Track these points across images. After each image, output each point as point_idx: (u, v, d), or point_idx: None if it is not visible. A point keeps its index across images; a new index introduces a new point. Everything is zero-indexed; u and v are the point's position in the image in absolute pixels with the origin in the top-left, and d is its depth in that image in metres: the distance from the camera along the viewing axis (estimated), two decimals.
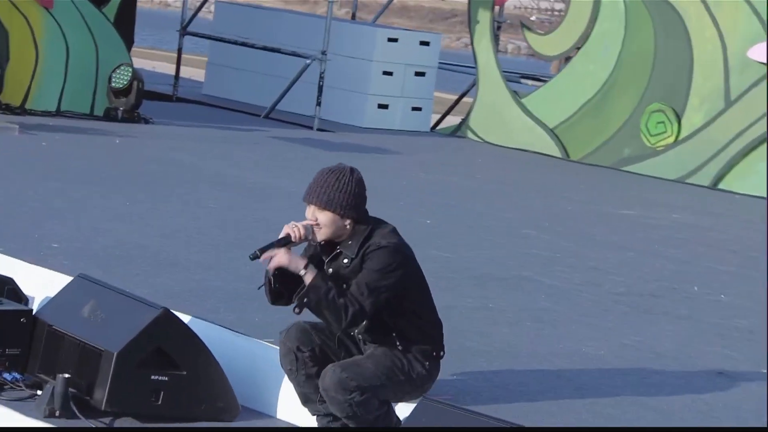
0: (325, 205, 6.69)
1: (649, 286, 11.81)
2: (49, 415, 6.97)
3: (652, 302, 11.15)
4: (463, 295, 10.50)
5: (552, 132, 20.54)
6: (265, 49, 21.57)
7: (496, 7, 22.04)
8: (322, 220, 6.71)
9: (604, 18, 20.28)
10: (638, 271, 12.52)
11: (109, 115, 18.15)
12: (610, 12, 20.23)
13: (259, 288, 6.95)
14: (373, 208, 13.29)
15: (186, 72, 23.34)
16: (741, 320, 10.87)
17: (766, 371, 7.82)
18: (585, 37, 20.56)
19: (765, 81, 18.56)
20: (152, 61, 25.00)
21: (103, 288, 7.57)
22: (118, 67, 18.23)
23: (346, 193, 6.73)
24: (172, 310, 7.35)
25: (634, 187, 18.16)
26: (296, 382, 6.96)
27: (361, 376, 6.58)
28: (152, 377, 7.10)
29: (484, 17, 21.74)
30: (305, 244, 6.92)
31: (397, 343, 6.82)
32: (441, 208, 15.08)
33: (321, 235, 6.76)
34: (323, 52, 20.53)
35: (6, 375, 7.34)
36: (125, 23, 18.85)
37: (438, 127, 22.92)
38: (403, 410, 6.79)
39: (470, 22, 22.03)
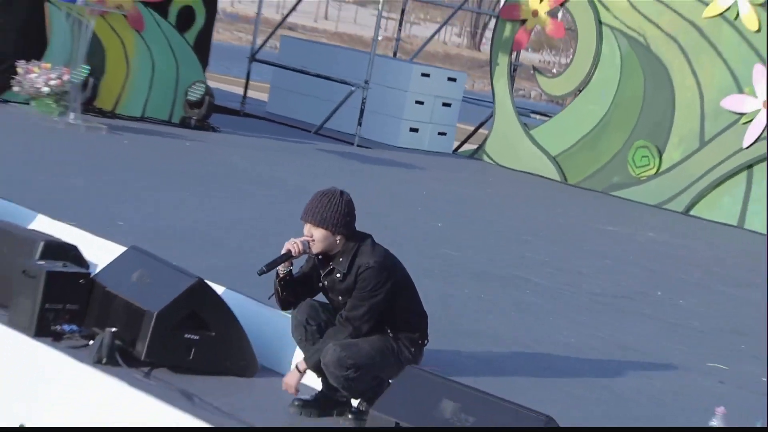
0: (318, 223, 6.75)
1: (622, 290, 11.73)
2: (97, 362, 7.00)
3: (623, 303, 11.06)
4: (462, 287, 10.45)
5: (554, 159, 20.46)
6: (319, 76, 21.46)
7: (514, 53, 21.88)
8: (316, 236, 6.77)
9: (603, 67, 20.22)
10: (614, 277, 12.43)
11: (184, 123, 18.16)
12: (608, 62, 20.16)
13: (269, 297, 7.05)
14: (397, 212, 13.34)
15: (252, 94, 23.33)
16: (695, 321, 10.78)
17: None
18: (586, 82, 20.49)
19: (734, 126, 18.48)
20: (223, 84, 24.81)
21: (151, 258, 7.55)
22: (194, 83, 18.29)
23: (337, 213, 6.76)
24: (207, 281, 7.34)
25: (619, 209, 18.06)
26: (304, 349, 6.93)
27: (357, 355, 6.56)
28: (186, 336, 7.10)
29: (503, 60, 21.70)
30: (305, 256, 6.97)
31: (389, 332, 6.84)
32: (453, 215, 15.00)
33: (316, 248, 6.80)
34: (366, 82, 20.48)
35: (66, 326, 7.33)
36: (202, 47, 18.83)
37: (459, 150, 22.76)
38: None
39: (491, 64, 21.97)
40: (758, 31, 18.41)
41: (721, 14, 18.86)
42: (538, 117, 22.90)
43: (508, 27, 21.60)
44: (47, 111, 15.69)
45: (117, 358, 6.97)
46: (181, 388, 6.78)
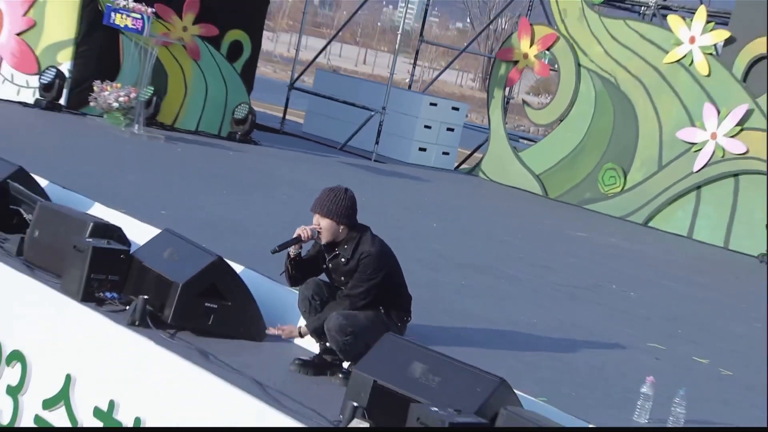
0: (326, 214, 6.78)
1: (582, 283, 11.58)
2: (131, 324, 6.96)
3: (581, 293, 10.91)
4: (447, 275, 10.32)
5: (537, 177, 20.32)
6: (345, 102, 21.43)
7: (507, 88, 21.76)
8: (323, 225, 6.80)
9: (580, 102, 20.13)
10: (577, 272, 12.29)
11: (230, 137, 18.10)
12: (584, 98, 20.06)
13: (281, 274, 7.05)
14: (403, 214, 13.21)
15: (291, 118, 23.36)
16: (641, 310, 10.62)
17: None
18: (566, 114, 20.39)
19: (687, 154, 18.38)
20: (266, 109, 24.79)
21: (180, 239, 7.48)
22: (240, 104, 18.25)
23: (342, 206, 6.80)
24: (227, 260, 7.28)
25: (589, 219, 17.90)
26: (308, 319, 6.91)
27: (355, 324, 6.54)
28: (206, 304, 7.04)
29: (498, 94, 21.63)
30: (311, 242, 6.97)
31: (381, 308, 6.84)
32: (448, 219, 14.92)
33: (323, 236, 6.82)
34: (383, 108, 20.43)
35: (107, 294, 7.26)
36: (247, 75, 18.80)
37: (459, 167, 22.62)
38: None
39: (488, 98, 21.90)
40: (709, 75, 18.35)
41: (678, 61, 18.80)
42: (525, 142, 22.84)
43: (503, 66, 21.51)
44: (116, 123, 15.67)
45: (147, 321, 6.90)
46: (199, 348, 6.71)
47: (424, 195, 17.03)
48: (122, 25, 15.71)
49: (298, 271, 6.97)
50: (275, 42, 68.07)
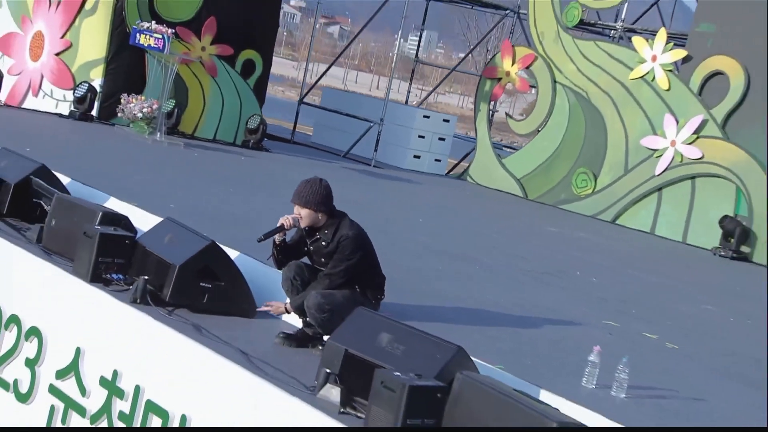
0: (304, 204, 6.69)
1: (548, 269, 11.37)
2: (133, 302, 6.82)
3: (547, 278, 10.71)
4: (427, 261, 10.15)
5: (518, 181, 20.18)
6: (348, 115, 21.29)
7: (492, 102, 21.61)
8: (303, 214, 6.70)
9: (556, 114, 20.02)
10: (546, 261, 12.10)
11: (244, 144, 18.00)
12: (559, 111, 19.95)
13: (267, 258, 7.00)
14: (395, 211, 13.07)
15: (303, 131, 23.26)
16: (601, 293, 10.42)
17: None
18: (543, 125, 20.29)
19: (649, 159, 18.24)
20: (277, 123, 24.69)
21: (180, 226, 7.35)
22: (252, 115, 18.17)
23: (318, 196, 6.70)
24: (221, 245, 7.14)
25: (563, 217, 17.72)
26: (291, 297, 6.79)
27: (332, 302, 6.43)
28: (201, 284, 6.93)
29: (483, 108, 21.53)
30: (294, 230, 6.88)
31: (357, 287, 6.71)
32: (435, 215, 14.80)
33: (303, 223, 6.74)
34: (381, 119, 20.26)
35: (114, 275, 7.14)
36: (260, 89, 18.69)
37: (450, 173, 22.46)
38: None
39: (475, 111, 21.79)
40: (668, 89, 18.23)
41: (642, 77, 18.69)
42: (508, 150, 22.62)
43: (488, 83, 21.39)
44: (140, 131, 15.54)
45: (148, 299, 6.76)
46: (193, 323, 6.59)
47: (417, 196, 16.87)
48: (146, 45, 15.58)
49: (284, 256, 6.86)
50: (298, 70, 68.12)
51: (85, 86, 16.40)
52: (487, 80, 21.48)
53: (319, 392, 5.53)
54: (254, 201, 11.89)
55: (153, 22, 15.93)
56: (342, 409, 5.40)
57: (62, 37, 17.58)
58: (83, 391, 6.75)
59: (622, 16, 20.82)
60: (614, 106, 19.07)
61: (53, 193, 8.05)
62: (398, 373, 5.07)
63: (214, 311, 6.90)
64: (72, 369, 6.88)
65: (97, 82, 16.78)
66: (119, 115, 15.96)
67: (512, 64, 20.82)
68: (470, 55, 32.25)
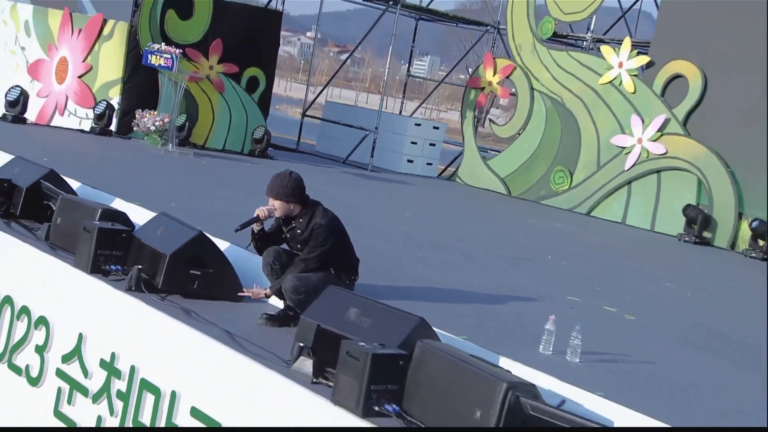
0: (276, 196, 6.55)
1: (523, 254, 11.18)
2: (128, 289, 6.68)
3: (521, 262, 10.51)
4: (408, 250, 9.92)
5: (502, 180, 19.99)
6: (347, 125, 21.11)
7: (477, 109, 21.41)
8: (276, 205, 6.56)
9: (534, 118, 19.81)
10: (521, 248, 11.91)
11: (251, 153, 17.83)
12: (537, 115, 19.75)
13: (247, 246, 6.91)
14: (388, 208, 12.88)
15: (309, 142, 23.00)
16: (569, 275, 10.19)
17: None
18: (523, 128, 20.05)
19: (619, 156, 18.06)
20: (283, 136, 24.57)
21: (172, 219, 7.18)
22: (257, 126, 18.01)
23: (288, 188, 6.54)
24: (218, 239, 7.16)
25: (542, 211, 17.50)
26: (270, 280, 6.67)
27: (308, 285, 6.29)
28: (191, 271, 6.80)
29: (469, 115, 21.32)
30: (271, 220, 6.76)
31: (331, 270, 6.54)
32: (422, 211, 14.58)
33: (277, 213, 6.59)
34: (376, 128, 20.15)
35: (112, 266, 7.01)
36: (263, 103, 18.51)
37: (440, 175, 22.23)
38: None
39: (462, 117, 21.58)
40: (634, 92, 18.06)
41: (610, 82, 18.51)
42: (492, 152, 22.40)
43: (473, 92, 21.21)
44: (154, 143, 15.41)
45: (141, 286, 6.61)
46: (183, 307, 6.44)
47: (408, 195, 16.67)
48: (156, 64, 15.46)
49: (263, 243, 6.72)
50: (314, 93, 67.84)
51: (103, 104, 16.27)
52: (471, 90, 21.30)
53: (294, 365, 5.37)
54: (252, 201, 11.64)
55: (163, 43, 15.81)
56: (314, 379, 5.25)
57: (83, 61, 17.47)
58: (86, 373, 6.63)
59: (592, 28, 20.65)
60: (586, 109, 18.89)
61: (60, 195, 7.91)
62: (363, 344, 4.92)
63: (204, 296, 6.75)
64: (75, 353, 6.76)
65: (115, 100, 16.66)
66: (135, 129, 15.83)
67: (494, 75, 20.66)
68: (467, 71, 32.08)
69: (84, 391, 6.62)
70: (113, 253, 6.94)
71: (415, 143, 21.26)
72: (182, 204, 9.79)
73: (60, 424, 6.81)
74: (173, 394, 5.87)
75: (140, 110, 15.73)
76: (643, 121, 17.78)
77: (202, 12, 17.22)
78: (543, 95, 19.74)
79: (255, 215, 6.60)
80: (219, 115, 17.76)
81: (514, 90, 20.78)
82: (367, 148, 20.34)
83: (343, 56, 51.31)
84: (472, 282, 8.45)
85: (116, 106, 16.50)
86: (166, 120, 15.29)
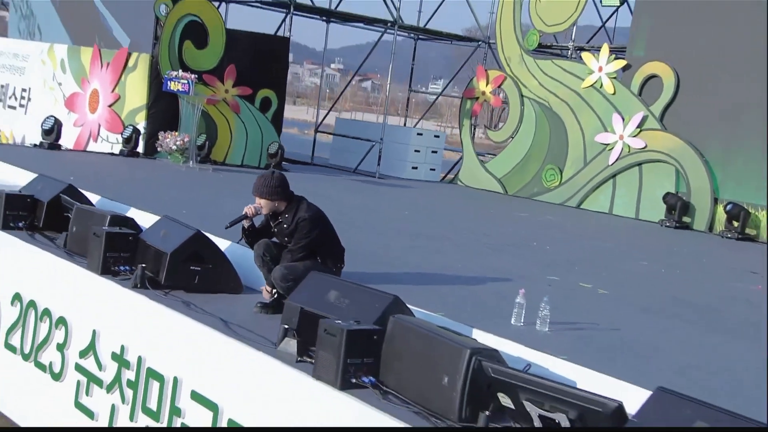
0: (260, 195, 6.43)
1: (509, 242, 10.99)
2: (134, 287, 6.54)
3: (507, 248, 10.31)
4: (400, 241, 9.72)
5: (499, 180, 19.78)
6: (355, 138, 20.99)
7: (473, 116, 21.20)
8: (262, 203, 6.45)
9: (525, 123, 19.62)
10: (509, 236, 11.72)
11: (266, 167, 17.59)
12: (528, 120, 19.56)
13: (238, 241, 6.76)
14: (392, 209, 12.73)
15: (320, 155, 22.79)
16: (552, 257, 9.95)
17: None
18: (516, 132, 19.84)
19: (603, 152, 17.85)
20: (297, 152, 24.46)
21: (172, 221, 7.03)
22: (272, 142, 17.84)
23: (271, 187, 6.42)
24: (223, 239, 7.04)
25: (536, 206, 17.22)
26: (263, 272, 6.51)
27: (295, 273, 6.10)
28: (191, 267, 6.65)
29: (466, 123, 21.10)
30: (262, 216, 6.61)
31: (318, 259, 6.37)
32: (422, 209, 14.37)
33: (264, 210, 6.46)
34: (381, 139, 19.98)
35: (121, 267, 6.87)
36: (277, 121, 18.33)
37: (443, 180, 22.01)
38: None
39: (460, 125, 21.37)
40: (614, 93, 17.86)
41: (592, 85, 18.31)
42: (489, 156, 22.16)
43: (469, 102, 21.01)
44: (176, 161, 15.33)
45: (146, 283, 6.48)
46: (183, 300, 6.29)
47: (410, 197, 16.43)
48: (175, 89, 15.38)
49: (254, 237, 6.58)
50: (336, 115, 67.66)
51: (130, 128, 16.21)
52: (467, 100, 21.12)
53: (279, 346, 5.22)
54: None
55: (180, 70, 15.74)
56: (299, 358, 5.09)
57: (112, 91, 17.44)
58: (100, 366, 6.53)
59: (573, 37, 20.44)
60: (571, 112, 18.68)
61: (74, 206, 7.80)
62: (339, 321, 4.76)
63: (205, 290, 6.60)
64: (90, 348, 6.66)
65: (141, 125, 16.59)
66: (159, 149, 15.75)
67: (486, 85, 20.48)
68: None
69: (99, 383, 6.51)
70: (121, 254, 6.81)
71: (418, 151, 21.07)
72: (192, 210, 9.66)
73: (80, 415, 6.70)
74: (175, 380, 5.75)
75: (162, 132, 15.65)
76: (623, 119, 17.57)
77: (216, 41, 17.12)
78: (532, 101, 19.54)
79: (243, 213, 6.48)
80: (236, 134, 17.65)
81: (505, 98, 20.59)
82: (375, 158, 20.20)
83: (365, 84, 51.23)
84: (456, 266, 8.24)
85: (142, 130, 16.44)
86: (186, 139, 15.20)
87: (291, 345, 5.14)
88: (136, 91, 17.00)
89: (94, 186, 10.04)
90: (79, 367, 6.75)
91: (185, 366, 5.73)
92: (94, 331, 6.62)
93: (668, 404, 3.59)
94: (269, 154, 17.73)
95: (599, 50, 18.59)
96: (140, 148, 16.33)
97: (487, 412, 4.08)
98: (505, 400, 4.17)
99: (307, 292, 5.41)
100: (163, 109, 16.57)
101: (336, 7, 21.70)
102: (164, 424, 5.79)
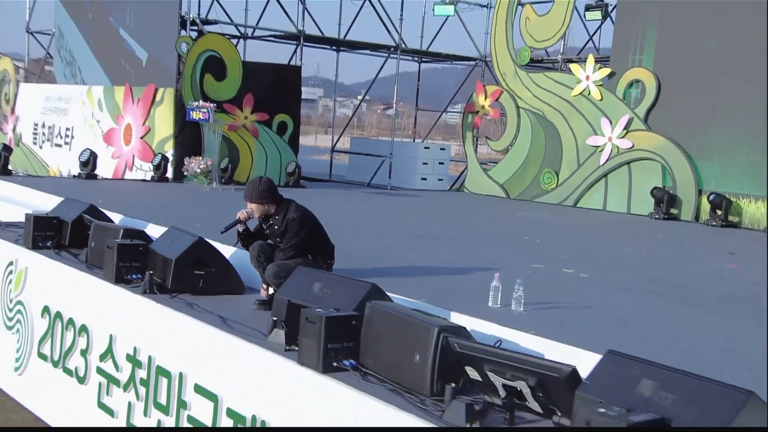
0: (251, 200, 6.30)
1: (503, 237, 10.81)
2: (143, 292, 6.40)
3: (499, 243, 10.11)
4: (398, 240, 9.55)
5: (501, 185, 19.62)
6: (369, 155, 20.87)
7: (475, 129, 21.03)
8: (252, 207, 6.32)
9: (522, 131, 19.46)
10: (503, 232, 11.52)
11: (285, 184, 17.59)
12: (524, 129, 19.40)
13: (235, 244, 6.68)
14: (401, 215, 12.47)
15: (337, 173, 22.67)
16: (541, 249, 9.69)
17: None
18: (514, 141, 19.64)
19: (595, 154, 17.62)
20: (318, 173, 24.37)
21: (178, 231, 6.91)
22: (289, 162, 17.78)
23: (260, 191, 6.27)
24: (227, 246, 6.89)
25: (535, 207, 17.00)
26: (259, 272, 6.39)
27: (286, 270, 5.91)
28: (195, 272, 6.50)
29: (468, 135, 20.99)
30: (256, 220, 6.49)
31: (309, 256, 6.24)
32: (431, 213, 14.19)
33: (255, 214, 6.34)
34: (390, 154, 19.88)
35: (133, 276, 6.73)
36: (293, 143, 18.30)
37: (451, 189, 21.82)
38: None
39: (463, 136, 21.25)
40: (601, 99, 17.70)
41: (581, 93, 18.13)
42: (491, 164, 21.95)
43: (470, 116, 20.88)
44: (201, 183, 15.32)
45: (154, 289, 6.35)
46: (187, 301, 6.16)
47: (418, 204, 16.24)
48: (197, 118, 15.37)
49: (249, 240, 6.46)
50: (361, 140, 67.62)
51: (159, 156, 16.22)
52: (468, 114, 20.98)
53: (269, 337, 5.08)
54: None
55: (200, 100, 15.72)
56: (287, 347, 4.95)
57: (143, 124, 17.47)
58: (117, 367, 6.42)
59: (561, 51, 20.27)
60: (564, 119, 18.49)
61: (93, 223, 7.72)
62: (319, 310, 4.61)
63: (210, 292, 6.46)
64: (109, 352, 6.56)
65: (170, 152, 16.60)
66: (185, 173, 15.72)
67: (485, 99, 20.33)
68: None
69: (117, 383, 6.40)
70: (133, 264, 6.70)
71: (426, 163, 20.94)
72: (206, 223, 9.55)
73: (103, 414, 6.58)
74: (180, 375, 5.63)
75: (188, 157, 15.62)
76: (611, 123, 17.37)
77: (234, 73, 17.11)
78: (527, 111, 19.37)
79: (237, 218, 6.35)
80: (257, 156, 17.60)
81: (503, 110, 20.41)
82: (385, 172, 20.08)
83: (389, 111, 51.11)
84: (446, 259, 8.07)
85: (171, 157, 16.43)
86: (209, 163, 15.17)
87: (279, 335, 5.00)
88: (164, 123, 17.02)
89: (121, 207, 9.98)
90: (99, 370, 6.65)
91: (189, 362, 5.61)
92: (110, 336, 6.52)
93: (617, 365, 3.42)
94: (287, 173, 17.67)
95: (585, 61, 18.40)
96: (169, 174, 16.32)
97: (453, 385, 3.91)
98: (473, 373, 4.00)
99: (293, 286, 5.27)
100: (189, 137, 16.57)
101: (345, 36, 21.63)
102: (173, 418, 5.66)
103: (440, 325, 4.16)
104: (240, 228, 6.41)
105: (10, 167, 15.20)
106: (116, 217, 9.13)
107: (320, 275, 5.23)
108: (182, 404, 5.59)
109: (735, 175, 15.40)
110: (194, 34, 17.64)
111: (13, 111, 23.18)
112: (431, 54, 22.85)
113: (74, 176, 15.91)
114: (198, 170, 14.91)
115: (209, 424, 5.26)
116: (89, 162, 15.41)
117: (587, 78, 17.99)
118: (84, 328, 6.95)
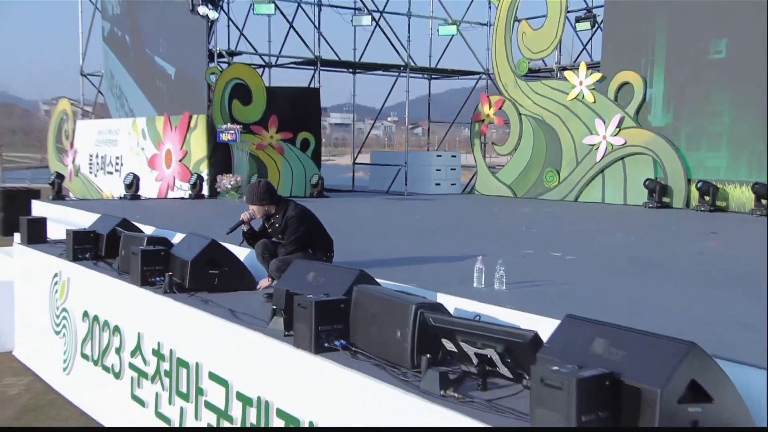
0: (252, 202, 6.23)
1: (502, 230, 10.55)
2: (164, 292, 6.36)
3: (498, 235, 9.90)
4: (409, 238, 9.37)
5: (509, 186, 19.43)
6: (387, 165, 20.83)
7: (482, 136, 20.86)
8: (254, 208, 6.25)
9: (524, 136, 19.25)
10: (505, 226, 11.23)
11: (310, 195, 17.52)
12: (527, 133, 19.18)
13: (240, 244, 6.53)
14: (412, 216, 12.35)
15: (360, 184, 22.58)
16: (536, 238, 9.47)
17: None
18: (518, 145, 19.41)
19: (591, 152, 17.37)
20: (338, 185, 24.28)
21: (195, 236, 6.86)
22: (313, 175, 17.71)
23: (259, 193, 6.20)
24: (219, 242, 6.62)
25: (540, 204, 16.73)
26: (264, 267, 6.35)
27: (287, 264, 5.74)
28: (210, 271, 6.43)
29: (476, 142, 20.80)
30: (260, 220, 6.44)
31: (309, 250, 6.16)
32: (442, 211, 14.02)
33: (257, 215, 6.28)
34: (405, 162, 19.79)
35: (157, 278, 6.66)
36: (316, 157, 18.25)
37: (463, 192, 21.65)
38: None
39: (471, 143, 21.06)
40: (594, 102, 17.45)
41: (575, 97, 17.90)
42: (498, 167, 21.75)
43: (477, 125, 20.70)
44: (232, 197, 15.34)
45: (173, 289, 6.31)
46: (203, 298, 6.11)
47: (430, 207, 16.08)
48: (226, 139, 15.43)
49: (254, 239, 6.39)
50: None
51: (194, 176, 16.27)
52: (475, 123, 20.81)
53: (270, 324, 5.01)
54: None
55: (228, 123, 15.76)
56: (286, 333, 4.87)
57: (181, 148, 17.55)
58: (145, 362, 6.40)
59: (556, 60, 20.07)
60: (562, 122, 18.28)
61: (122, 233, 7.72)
62: (310, 296, 4.53)
63: (224, 289, 6.41)
64: (138, 349, 6.54)
65: (204, 172, 16.66)
66: (218, 190, 15.76)
67: (489, 108, 20.16)
68: None
69: (145, 376, 6.38)
70: (156, 267, 6.67)
71: (439, 170, 20.82)
72: (214, 231, 9.51)
73: (136, 405, 6.56)
74: (197, 365, 5.59)
75: (220, 175, 15.65)
76: (604, 122, 17.15)
77: (259, 98, 17.14)
78: (528, 117, 19.17)
79: (240, 219, 6.30)
80: (283, 171, 17.60)
81: (506, 117, 20.24)
82: (402, 179, 20.01)
83: (416, 130, 50.94)
84: (442, 249, 7.93)
85: (205, 176, 16.48)
86: (239, 179, 15.20)
87: (279, 323, 4.93)
88: (198, 146, 17.09)
89: (158, 221, 9.97)
90: (131, 366, 6.63)
91: (203, 352, 5.57)
92: (138, 334, 6.51)
93: (574, 328, 3.30)
94: (312, 185, 17.64)
95: (578, 68, 18.20)
96: (205, 191, 16.37)
97: (428, 356, 3.81)
98: (449, 345, 3.90)
99: (291, 277, 5.20)
100: (221, 158, 16.64)
101: (360, 59, 21.60)
102: (192, 404, 5.62)
103: (417, 302, 4.07)
104: (245, 228, 6.37)
105: (63, 193, 15.33)
106: (149, 230, 9.12)
107: (314, 265, 5.16)
108: (200, 391, 5.54)
109: (723, 165, 15.11)
110: (224, 66, 17.71)
111: (72, 145, 23.50)
112: (439, 71, 22.73)
113: (120, 198, 16.01)
114: (229, 186, 14.93)
115: (222, 408, 5.21)
116: (132, 184, 15.50)
117: (581, 83, 17.78)
118: (117, 329, 6.95)
